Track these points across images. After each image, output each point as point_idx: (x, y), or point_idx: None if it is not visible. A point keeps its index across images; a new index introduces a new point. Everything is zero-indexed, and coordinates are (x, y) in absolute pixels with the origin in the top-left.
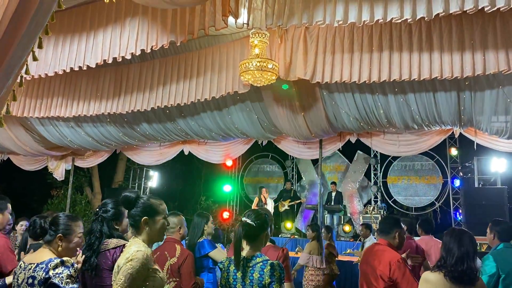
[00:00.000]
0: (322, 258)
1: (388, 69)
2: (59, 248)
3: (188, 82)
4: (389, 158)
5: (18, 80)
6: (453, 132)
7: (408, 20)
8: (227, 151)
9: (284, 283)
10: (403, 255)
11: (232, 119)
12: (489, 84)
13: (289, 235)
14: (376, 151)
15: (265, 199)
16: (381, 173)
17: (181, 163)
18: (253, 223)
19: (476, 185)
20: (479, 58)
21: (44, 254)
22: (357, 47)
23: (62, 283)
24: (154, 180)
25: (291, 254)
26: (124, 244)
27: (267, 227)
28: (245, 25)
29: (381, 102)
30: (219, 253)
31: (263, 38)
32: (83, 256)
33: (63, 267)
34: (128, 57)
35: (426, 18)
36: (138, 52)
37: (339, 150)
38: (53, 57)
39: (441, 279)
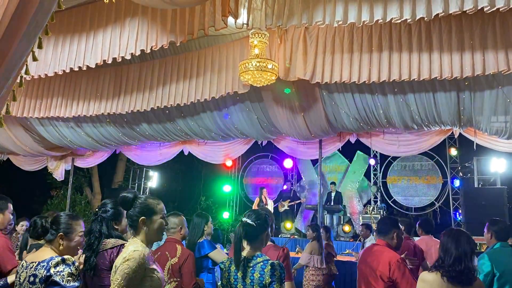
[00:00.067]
0: (323, 258)
1: (388, 69)
2: (60, 247)
3: (187, 82)
4: (389, 158)
5: (18, 80)
6: (452, 132)
7: (408, 21)
8: (226, 151)
9: (285, 283)
10: (402, 256)
11: (232, 119)
12: (489, 84)
13: (288, 235)
14: (376, 151)
15: (266, 199)
16: (381, 173)
17: (181, 164)
18: (253, 223)
19: (475, 185)
20: (479, 58)
21: (46, 253)
22: (356, 47)
23: (63, 281)
24: (153, 180)
25: (292, 254)
26: (121, 244)
27: (267, 227)
28: (245, 25)
29: (381, 102)
30: (219, 254)
31: (263, 38)
32: (84, 255)
33: (64, 265)
34: (128, 57)
35: (425, 19)
36: (138, 52)
37: (338, 150)
38: (53, 57)
39: (438, 279)
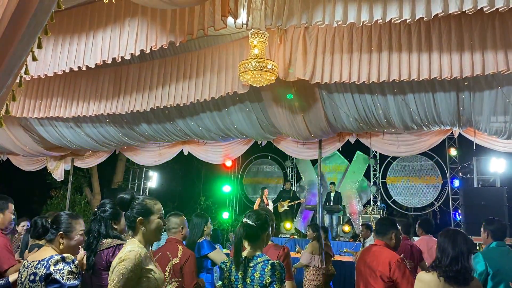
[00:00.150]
0: (323, 258)
1: (387, 70)
2: (61, 246)
3: (187, 82)
4: (389, 159)
5: (18, 80)
6: (452, 132)
7: (407, 21)
8: (226, 152)
9: (286, 282)
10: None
11: (232, 120)
12: (488, 84)
13: (288, 236)
14: (376, 152)
15: (267, 199)
16: (381, 174)
17: (181, 164)
18: (253, 223)
19: (475, 185)
20: (478, 59)
21: (47, 252)
22: (356, 48)
23: (63, 278)
24: (153, 180)
25: (292, 254)
26: (117, 244)
27: (268, 227)
28: (244, 25)
29: (380, 102)
30: (218, 254)
31: (262, 38)
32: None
33: (64, 263)
34: (128, 57)
35: (425, 19)
36: (138, 53)
37: (338, 150)
38: (53, 58)
39: (434, 279)
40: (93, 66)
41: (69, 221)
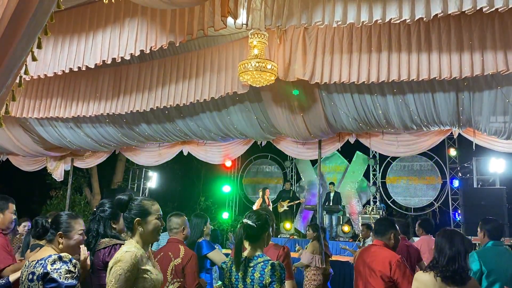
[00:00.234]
0: (323, 258)
1: (387, 70)
2: (60, 246)
3: (187, 82)
4: (388, 159)
5: (17, 80)
6: (452, 132)
7: (407, 21)
8: (226, 152)
9: (286, 282)
10: None
11: (231, 120)
12: (488, 84)
13: (288, 236)
14: (375, 152)
15: (268, 200)
16: (380, 174)
17: (180, 164)
18: (254, 224)
19: (475, 185)
20: (478, 59)
21: (46, 252)
22: (356, 48)
23: (60, 278)
24: (153, 180)
25: (292, 254)
26: (114, 244)
27: (268, 228)
28: (244, 25)
29: (380, 102)
30: (217, 254)
31: (262, 38)
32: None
33: (61, 263)
34: (127, 57)
35: (424, 19)
36: (137, 53)
37: (338, 150)
38: (52, 58)
39: (431, 279)
40: (92, 66)
41: (68, 221)
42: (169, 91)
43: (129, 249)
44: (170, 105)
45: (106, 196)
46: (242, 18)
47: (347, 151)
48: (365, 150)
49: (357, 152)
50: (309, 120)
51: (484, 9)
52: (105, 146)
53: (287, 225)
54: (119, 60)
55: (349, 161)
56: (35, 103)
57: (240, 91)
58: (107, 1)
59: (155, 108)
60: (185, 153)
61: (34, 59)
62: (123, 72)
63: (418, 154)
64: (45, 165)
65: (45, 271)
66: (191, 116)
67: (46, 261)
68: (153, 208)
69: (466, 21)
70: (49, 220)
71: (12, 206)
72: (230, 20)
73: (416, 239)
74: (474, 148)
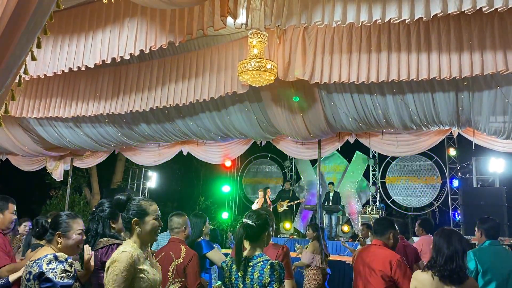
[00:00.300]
0: (323, 257)
1: (387, 70)
2: (59, 245)
3: (186, 82)
4: (388, 159)
5: (17, 80)
6: (451, 132)
7: (406, 21)
8: (226, 152)
9: (285, 281)
10: None
11: (231, 120)
12: (487, 84)
13: (288, 236)
14: (375, 152)
15: (269, 199)
16: (380, 174)
17: (180, 164)
18: (253, 223)
19: (474, 185)
20: (477, 59)
21: (45, 252)
22: (355, 48)
23: (56, 277)
24: (152, 180)
25: (292, 254)
26: (111, 244)
27: (268, 227)
28: (244, 25)
29: (380, 102)
30: (217, 254)
31: (262, 38)
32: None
33: (56, 262)
34: (127, 57)
35: (424, 19)
36: (137, 53)
37: (337, 150)
38: (52, 58)
39: (428, 278)
40: (92, 66)
41: (67, 220)
42: (169, 91)
43: (125, 249)
44: (170, 105)
45: (106, 196)
46: (242, 18)
47: (347, 151)
48: (365, 150)
49: (357, 152)
50: (309, 120)
51: (483, 9)
52: (104, 146)
53: (287, 225)
54: (119, 60)
55: (349, 161)
56: (35, 103)
57: (240, 91)
58: (106, 1)
59: (154, 108)
60: (184, 153)
61: (33, 58)
62: (122, 72)
63: (418, 154)
64: (44, 165)
65: (40, 270)
66: (190, 116)
67: (42, 260)
68: (151, 209)
69: (466, 21)
70: (49, 220)
71: (12, 207)
72: (229, 20)
73: (415, 239)
74: (473, 148)
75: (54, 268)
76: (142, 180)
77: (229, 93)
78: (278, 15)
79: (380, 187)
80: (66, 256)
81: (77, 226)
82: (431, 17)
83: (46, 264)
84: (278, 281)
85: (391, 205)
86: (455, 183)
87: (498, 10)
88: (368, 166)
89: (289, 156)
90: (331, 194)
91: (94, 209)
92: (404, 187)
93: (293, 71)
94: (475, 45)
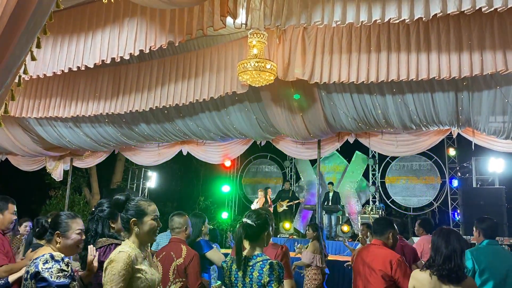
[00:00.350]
0: (323, 257)
1: (386, 70)
2: (58, 245)
3: (186, 82)
4: (387, 159)
5: (17, 80)
6: (451, 132)
7: (406, 21)
8: (225, 152)
9: (284, 281)
10: None
11: (231, 120)
12: (487, 84)
13: (287, 236)
14: (374, 152)
15: (270, 199)
16: (379, 174)
17: (180, 164)
18: (253, 223)
19: (474, 185)
20: (477, 59)
21: (44, 251)
22: (355, 48)
23: (51, 277)
24: (152, 180)
25: (292, 254)
26: (109, 244)
27: (268, 227)
28: (244, 25)
29: (379, 102)
30: (216, 254)
31: (261, 38)
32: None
33: (53, 262)
34: (127, 57)
35: (424, 19)
36: (137, 53)
37: (337, 150)
38: (52, 57)
39: (427, 278)
40: (92, 66)
41: (66, 220)
42: (169, 91)
43: (123, 249)
44: (170, 105)
45: (105, 196)
46: (241, 18)
47: (347, 151)
48: (365, 150)
49: (357, 152)
50: (309, 119)
51: (483, 9)
52: (104, 146)
53: (287, 225)
54: (118, 60)
55: (349, 161)
56: (34, 103)
57: (240, 91)
58: (106, 1)
59: (154, 108)
60: (184, 153)
61: (33, 58)
62: (122, 72)
63: (417, 154)
64: (44, 165)
65: (36, 270)
66: (190, 116)
67: (39, 260)
68: (150, 209)
69: (465, 21)
70: (49, 220)
71: (12, 207)
72: (229, 20)
73: (415, 239)
74: (473, 148)
75: (50, 268)
76: (141, 180)
77: (229, 93)
78: (278, 15)
79: (379, 187)
80: (63, 255)
81: (76, 226)
82: (431, 17)
83: (42, 263)
84: (277, 281)
85: (391, 205)
86: (455, 183)
87: (498, 10)
88: (367, 166)
89: (288, 156)
90: (331, 194)
91: (93, 209)
92: (403, 187)
93: (292, 71)
94: (475, 45)
